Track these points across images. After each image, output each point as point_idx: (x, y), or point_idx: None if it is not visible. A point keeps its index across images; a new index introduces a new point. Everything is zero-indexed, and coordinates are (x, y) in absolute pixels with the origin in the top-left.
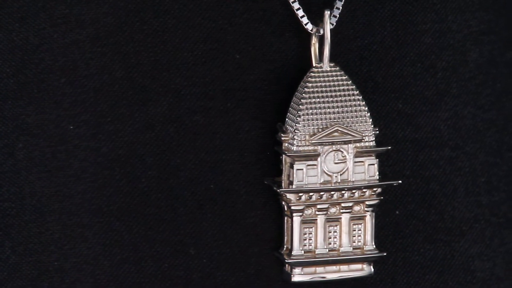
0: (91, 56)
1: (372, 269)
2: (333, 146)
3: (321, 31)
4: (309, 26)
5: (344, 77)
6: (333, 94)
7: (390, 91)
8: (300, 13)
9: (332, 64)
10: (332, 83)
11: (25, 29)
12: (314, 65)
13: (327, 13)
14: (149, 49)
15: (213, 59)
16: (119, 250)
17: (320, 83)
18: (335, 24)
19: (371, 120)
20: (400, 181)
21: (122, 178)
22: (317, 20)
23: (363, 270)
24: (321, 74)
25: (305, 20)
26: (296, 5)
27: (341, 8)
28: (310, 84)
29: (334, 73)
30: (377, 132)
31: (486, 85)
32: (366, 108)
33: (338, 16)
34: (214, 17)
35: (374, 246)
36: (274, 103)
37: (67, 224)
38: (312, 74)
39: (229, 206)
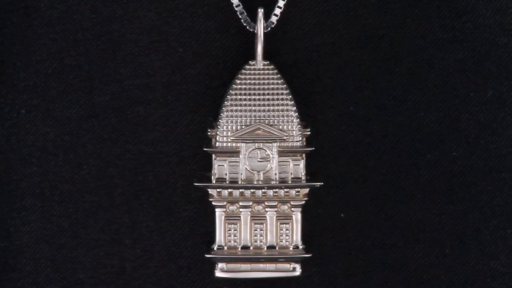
0: (44, 42)
1: (299, 270)
2: (256, 144)
3: (262, 28)
4: (248, 24)
5: (275, 76)
6: (261, 92)
7: (340, 94)
8: (240, 10)
9: (266, 63)
10: (262, 81)
11: None
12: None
13: (260, 11)
14: (97, 38)
15: (156, 51)
16: (59, 235)
17: (249, 81)
18: (276, 23)
19: (298, 120)
20: (322, 183)
21: (65, 164)
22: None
23: (290, 270)
24: (252, 72)
25: (244, 17)
26: (235, 2)
27: (283, 7)
28: (238, 81)
29: (266, 72)
30: (309, 132)
31: (455, 94)
32: (294, 108)
33: (279, 15)
34: (159, 10)
35: (301, 247)
36: (214, 98)
37: (12, 207)
38: (244, 71)
39: (165, 198)
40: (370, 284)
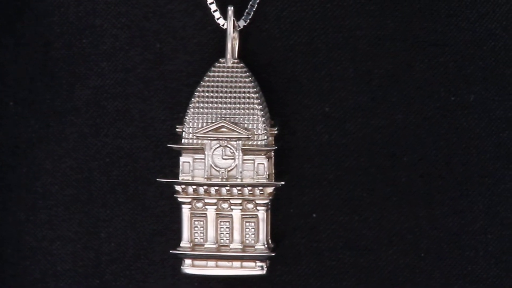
0: (31, 35)
1: (265, 269)
2: (220, 141)
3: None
4: (221, 21)
5: (243, 75)
6: (228, 90)
7: (315, 94)
8: (213, 7)
9: (236, 61)
10: (230, 79)
11: None
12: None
13: (230, 9)
14: (80, 32)
15: (135, 46)
16: (39, 227)
17: (218, 78)
18: (248, 21)
19: (263, 119)
20: (283, 182)
21: (48, 157)
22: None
23: (255, 268)
24: (221, 70)
25: (217, 14)
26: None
27: (256, 5)
28: (207, 79)
29: (235, 70)
30: (276, 132)
31: (435, 97)
32: (260, 107)
33: (252, 13)
34: (139, 5)
35: (266, 246)
36: (189, 94)
37: None
38: (213, 69)
39: (140, 193)
40: (342, 286)
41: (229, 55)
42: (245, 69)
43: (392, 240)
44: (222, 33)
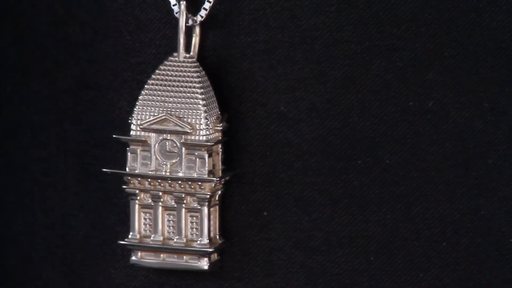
0: (26, 22)
1: (207, 264)
2: (164, 135)
3: (190, 21)
4: (179, 16)
5: (192, 69)
6: (176, 84)
7: (271, 92)
8: (173, 1)
9: (187, 55)
10: (179, 74)
11: None
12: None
13: (182, 3)
14: (59, 21)
15: (106, 37)
16: (21, 214)
17: (168, 72)
18: (205, 16)
19: (206, 114)
20: (215, 179)
21: (30, 147)
22: (194, 10)
23: (199, 263)
24: (173, 64)
25: (176, 8)
26: None
27: (212, 1)
28: (157, 72)
29: (185, 64)
30: (220, 128)
31: (393, 101)
32: (204, 102)
33: (208, 9)
34: None
35: (208, 241)
36: None
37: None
38: (165, 63)
39: (107, 184)
40: (289, 285)
41: (181, 50)
42: (195, 64)
43: (342, 242)
44: (188, 28)
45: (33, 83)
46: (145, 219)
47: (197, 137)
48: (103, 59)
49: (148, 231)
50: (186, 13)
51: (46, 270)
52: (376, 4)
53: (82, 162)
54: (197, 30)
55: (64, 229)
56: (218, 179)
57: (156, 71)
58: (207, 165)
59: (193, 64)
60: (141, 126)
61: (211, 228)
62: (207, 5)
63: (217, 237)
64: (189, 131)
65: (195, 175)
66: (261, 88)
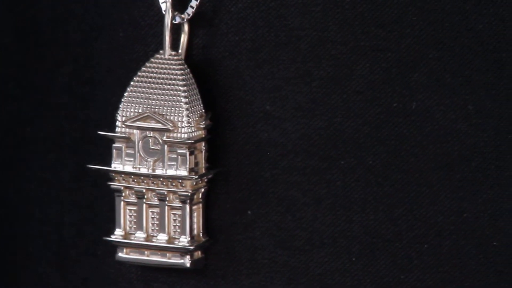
0: (24, 17)
1: (189, 262)
2: (147, 132)
3: (178, 19)
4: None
5: (177, 67)
6: (160, 81)
7: (257, 91)
8: None
9: (173, 53)
10: (164, 71)
11: None
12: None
13: (168, 0)
14: (59, 19)
15: (102, 34)
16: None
17: (153, 69)
18: (191, 14)
19: (187, 112)
20: (195, 177)
21: (27, 143)
22: (181, 8)
23: (181, 261)
24: (159, 61)
25: (164, 6)
26: None
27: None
28: (144, 69)
29: (170, 62)
30: (203, 125)
31: (377, 102)
32: (186, 100)
33: (195, 7)
34: None
35: (189, 239)
36: None
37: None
38: (152, 60)
39: (102, 179)
40: (272, 284)
41: (167, 47)
42: (180, 61)
43: (324, 242)
44: (177, 26)
45: (32, 79)
46: (130, 215)
47: (178, 135)
48: (98, 56)
49: (133, 228)
50: (172, 11)
51: (42, 266)
52: (361, 4)
53: (77, 158)
54: (186, 28)
55: (58, 224)
56: (197, 177)
57: (142, 68)
58: (188, 162)
59: (178, 62)
60: (125, 123)
61: (195, 226)
62: (193, 3)
63: (201, 235)
64: (170, 128)
65: (177, 173)
66: (248, 87)
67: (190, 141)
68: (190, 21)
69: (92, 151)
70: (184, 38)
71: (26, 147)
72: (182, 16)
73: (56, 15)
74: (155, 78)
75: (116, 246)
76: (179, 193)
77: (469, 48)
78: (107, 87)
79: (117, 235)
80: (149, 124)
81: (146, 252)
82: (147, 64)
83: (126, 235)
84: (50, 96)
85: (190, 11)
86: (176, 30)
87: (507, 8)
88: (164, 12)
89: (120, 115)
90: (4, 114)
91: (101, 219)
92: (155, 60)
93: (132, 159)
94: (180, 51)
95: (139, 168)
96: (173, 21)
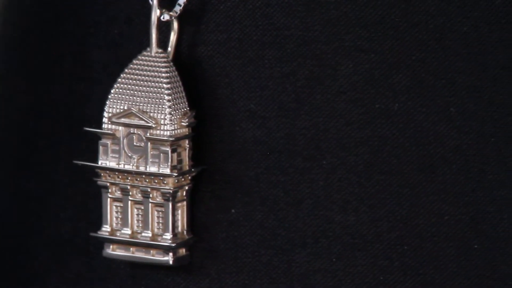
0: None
1: (171, 259)
2: (131, 129)
3: (167, 16)
4: (157, 12)
5: (162, 65)
6: (145, 79)
7: (243, 90)
8: None
9: (159, 51)
10: (149, 68)
11: None
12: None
13: None
14: (59, 17)
15: (97, 31)
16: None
17: (140, 67)
18: (179, 12)
19: (170, 109)
20: (175, 174)
21: (24, 140)
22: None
23: (164, 258)
24: (145, 59)
25: (150, 3)
26: None
27: None
28: (130, 66)
29: (156, 59)
30: (186, 123)
31: (360, 103)
32: (169, 97)
33: (182, 4)
34: None
35: (171, 236)
36: None
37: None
38: (139, 57)
39: (96, 176)
40: (254, 284)
41: (153, 45)
42: (165, 59)
43: (306, 242)
44: (167, 23)
45: (27, 76)
46: (116, 212)
47: (161, 132)
48: (94, 52)
49: (119, 224)
50: (159, 8)
51: (39, 261)
52: (345, 5)
53: (73, 155)
54: (175, 25)
55: (54, 220)
56: (179, 174)
57: (129, 65)
58: (169, 160)
59: (164, 60)
60: (110, 120)
61: (179, 224)
62: (181, 1)
63: (185, 233)
64: (153, 125)
65: (159, 170)
66: (234, 85)
67: (172, 139)
68: (179, 19)
69: (87, 148)
70: (173, 36)
71: (23, 144)
72: (171, 13)
73: (58, 13)
74: (140, 75)
75: (102, 242)
76: (161, 190)
77: (453, 50)
78: (102, 84)
79: (104, 231)
80: (133, 121)
81: (131, 249)
82: (134, 61)
83: (113, 231)
84: (46, 93)
85: (178, 8)
86: (167, 27)
87: (491, 10)
88: (153, 10)
89: (106, 112)
90: (0, 111)
91: (95, 215)
92: (142, 57)
93: (117, 156)
94: (169, 48)
95: (124, 164)
96: (162, 19)
